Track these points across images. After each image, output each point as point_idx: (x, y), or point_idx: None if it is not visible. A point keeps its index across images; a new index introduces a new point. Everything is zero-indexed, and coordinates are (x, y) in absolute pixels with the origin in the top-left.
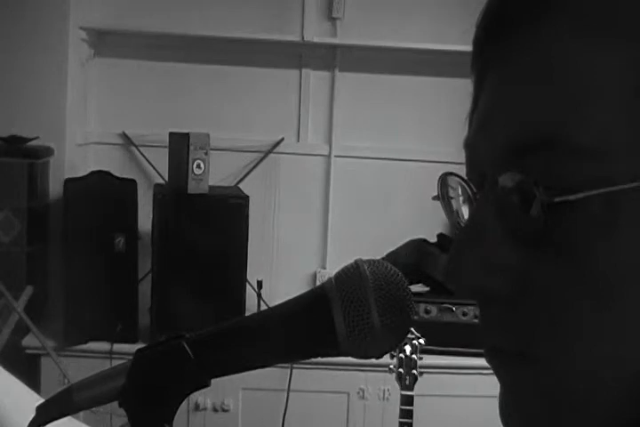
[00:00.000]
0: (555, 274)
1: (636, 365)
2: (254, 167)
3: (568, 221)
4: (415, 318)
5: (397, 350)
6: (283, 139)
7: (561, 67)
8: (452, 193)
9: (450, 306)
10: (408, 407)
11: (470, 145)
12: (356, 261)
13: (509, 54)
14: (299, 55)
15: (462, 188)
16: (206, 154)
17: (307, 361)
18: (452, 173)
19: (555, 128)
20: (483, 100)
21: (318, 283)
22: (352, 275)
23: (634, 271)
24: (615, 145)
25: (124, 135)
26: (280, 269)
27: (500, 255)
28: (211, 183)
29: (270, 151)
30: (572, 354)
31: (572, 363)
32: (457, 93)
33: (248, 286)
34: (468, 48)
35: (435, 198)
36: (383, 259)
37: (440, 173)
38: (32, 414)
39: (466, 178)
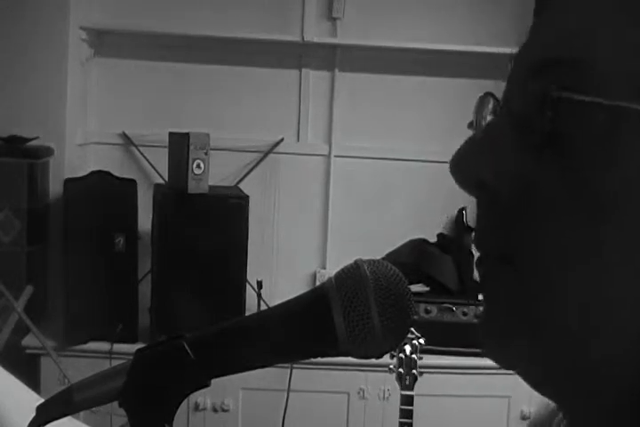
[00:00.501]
0: (556, 182)
1: (621, 290)
2: (254, 167)
3: (575, 126)
4: (415, 318)
5: (397, 350)
6: (283, 139)
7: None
8: (487, 119)
9: (450, 306)
10: (408, 407)
11: (509, 76)
12: (356, 261)
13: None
14: (299, 55)
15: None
16: (206, 154)
17: (307, 361)
18: (490, 94)
19: (582, 54)
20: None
21: (318, 283)
22: (352, 275)
23: (629, 187)
24: (626, 72)
25: (124, 135)
26: (280, 269)
27: (507, 158)
28: (211, 183)
29: (270, 151)
30: (552, 271)
31: (551, 282)
32: (457, 93)
33: (248, 286)
34: (469, 48)
35: (469, 126)
36: (383, 259)
37: (439, 173)
38: (32, 414)
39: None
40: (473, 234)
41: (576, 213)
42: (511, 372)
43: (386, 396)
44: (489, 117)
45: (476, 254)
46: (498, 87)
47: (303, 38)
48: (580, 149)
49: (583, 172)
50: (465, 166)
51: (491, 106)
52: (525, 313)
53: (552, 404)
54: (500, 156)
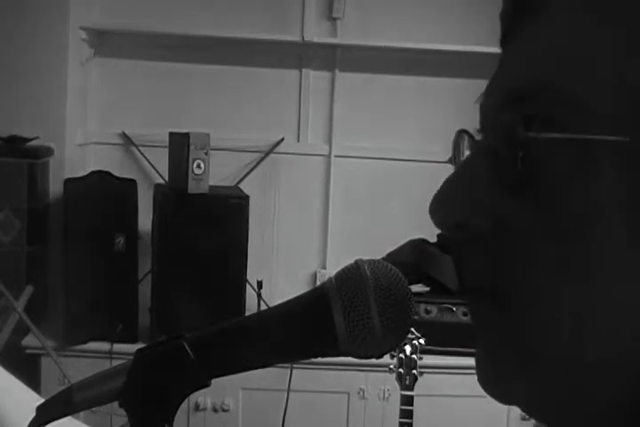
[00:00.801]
0: (531, 219)
1: (597, 310)
2: (254, 167)
3: (549, 164)
4: (415, 318)
5: (397, 350)
6: (283, 139)
7: (563, 31)
8: (464, 154)
9: (450, 306)
10: (408, 407)
11: (481, 105)
12: (356, 261)
13: (521, 27)
14: (299, 55)
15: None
16: (206, 154)
17: (307, 361)
18: (464, 131)
19: (551, 78)
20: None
21: (318, 283)
22: (352, 275)
23: (601, 218)
24: (603, 100)
25: (124, 135)
26: (280, 269)
27: (483, 196)
28: (211, 183)
29: (270, 151)
30: (539, 298)
31: (539, 308)
32: (457, 93)
33: (248, 286)
34: (468, 48)
35: (449, 161)
36: (383, 259)
37: (439, 173)
38: (32, 414)
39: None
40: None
41: (547, 249)
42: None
43: (386, 396)
44: (466, 153)
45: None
46: None
47: (303, 38)
48: (553, 187)
49: (555, 205)
50: (443, 208)
51: (466, 142)
52: (518, 347)
53: None
54: (474, 195)
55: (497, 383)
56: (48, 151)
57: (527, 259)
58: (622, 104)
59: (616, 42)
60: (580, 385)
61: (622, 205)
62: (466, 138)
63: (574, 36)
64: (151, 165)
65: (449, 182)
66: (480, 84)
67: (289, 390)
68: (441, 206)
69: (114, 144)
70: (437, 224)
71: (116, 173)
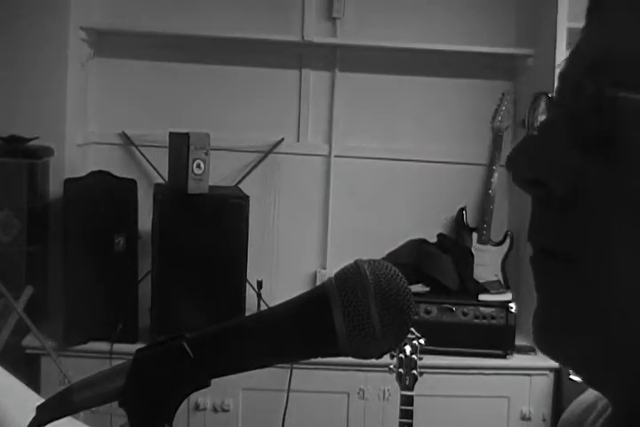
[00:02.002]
0: (609, 181)
1: None
2: (254, 167)
3: (629, 125)
4: (415, 318)
5: (397, 350)
6: (283, 139)
7: None
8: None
9: (450, 306)
10: (408, 407)
11: (561, 73)
12: (356, 262)
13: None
14: (299, 55)
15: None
16: (206, 154)
17: (307, 361)
18: (543, 94)
19: (631, 47)
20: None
21: (318, 283)
22: (352, 275)
23: None
24: None
25: (124, 135)
26: (280, 269)
27: (562, 155)
28: (211, 183)
29: (270, 151)
30: (614, 265)
31: (613, 274)
32: (457, 93)
33: (248, 286)
34: (468, 48)
35: (522, 125)
36: (383, 259)
37: (439, 173)
38: (32, 414)
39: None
40: (474, 234)
41: (628, 211)
42: (511, 372)
43: (386, 396)
44: (541, 117)
45: (529, 251)
46: (498, 87)
47: (303, 38)
48: (633, 147)
49: (635, 170)
50: (520, 164)
51: (543, 105)
52: (588, 310)
53: (588, 400)
54: (555, 154)
55: (559, 338)
56: (48, 151)
57: (606, 225)
58: None
59: None
60: None
61: None
62: (543, 101)
63: None
64: (151, 165)
65: (529, 139)
66: (480, 84)
67: (289, 390)
68: (519, 162)
69: (114, 144)
70: (514, 179)
71: (116, 173)
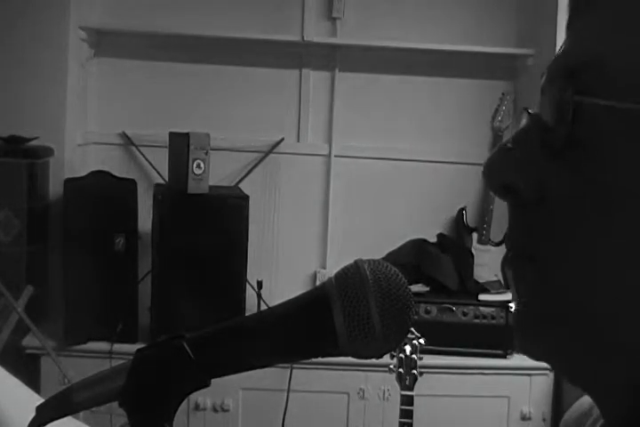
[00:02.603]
0: (571, 185)
1: (628, 290)
2: (254, 167)
3: (590, 130)
4: (415, 318)
5: (397, 350)
6: (283, 139)
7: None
8: None
9: (450, 306)
10: (408, 407)
11: (541, 85)
12: (356, 262)
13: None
14: (299, 55)
15: None
16: (206, 154)
17: (307, 361)
18: (525, 109)
19: (599, 55)
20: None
21: (318, 283)
22: (352, 275)
23: (635, 186)
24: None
25: (124, 135)
26: (280, 269)
27: (531, 161)
28: (211, 183)
29: (270, 151)
30: (573, 264)
31: (572, 272)
32: (457, 93)
33: (248, 286)
34: (468, 48)
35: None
36: (383, 259)
37: (439, 173)
38: (32, 414)
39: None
40: (474, 234)
41: (589, 212)
42: (511, 372)
43: (386, 396)
44: None
45: (504, 254)
46: (498, 87)
47: (303, 38)
48: (595, 152)
49: (596, 172)
50: (493, 171)
51: (524, 120)
52: (551, 307)
53: (585, 405)
54: (525, 160)
55: (537, 340)
56: (48, 151)
57: (569, 224)
58: None
59: None
60: (620, 348)
61: None
62: (525, 117)
63: (617, 21)
64: (151, 165)
65: (501, 147)
66: (480, 84)
67: (289, 390)
68: (490, 169)
69: (114, 144)
70: (488, 185)
71: (116, 173)
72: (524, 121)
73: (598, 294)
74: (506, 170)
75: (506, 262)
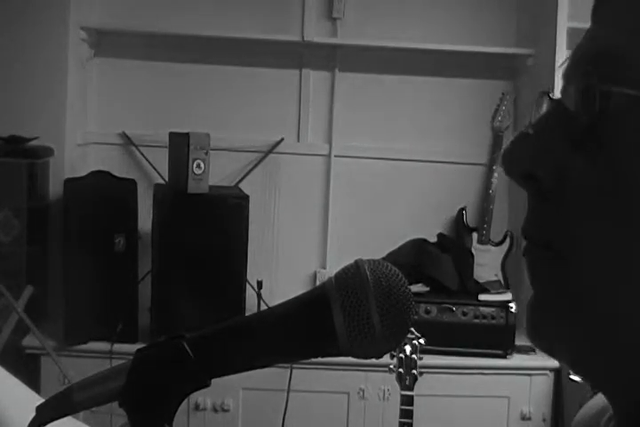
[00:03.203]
0: (591, 175)
1: None
2: (254, 167)
3: (618, 119)
4: (415, 318)
5: (397, 350)
6: (283, 139)
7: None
8: None
9: (450, 306)
10: (408, 407)
11: (563, 72)
12: (356, 261)
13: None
14: (299, 55)
15: None
16: (206, 154)
17: (307, 361)
18: (545, 93)
19: (624, 46)
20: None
21: (318, 283)
22: (352, 275)
23: None
24: None
25: (124, 135)
26: (280, 269)
27: (552, 149)
28: (211, 183)
29: (270, 151)
30: (592, 255)
31: (592, 263)
32: (457, 93)
33: (248, 286)
34: (469, 48)
35: (528, 125)
36: (383, 259)
37: (439, 173)
38: (32, 414)
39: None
40: (474, 234)
41: (608, 204)
42: (511, 372)
43: (386, 396)
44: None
45: (523, 242)
46: (498, 87)
47: (303, 38)
48: (617, 143)
49: (618, 163)
50: (513, 158)
51: (545, 104)
52: (569, 298)
53: (601, 403)
54: (546, 148)
55: (547, 329)
56: (48, 151)
57: (587, 215)
58: None
59: None
60: (629, 342)
61: None
62: (544, 101)
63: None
64: (151, 165)
65: (522, 135)
66: (480, 84)
67: (289, 390)
68: (512, 156)
69: (114, 144)
70: (507, 173)
71: (116, 173)
72: (544, 107)
73: (612, 287)
74: (526, 158)
75: (525, 251)
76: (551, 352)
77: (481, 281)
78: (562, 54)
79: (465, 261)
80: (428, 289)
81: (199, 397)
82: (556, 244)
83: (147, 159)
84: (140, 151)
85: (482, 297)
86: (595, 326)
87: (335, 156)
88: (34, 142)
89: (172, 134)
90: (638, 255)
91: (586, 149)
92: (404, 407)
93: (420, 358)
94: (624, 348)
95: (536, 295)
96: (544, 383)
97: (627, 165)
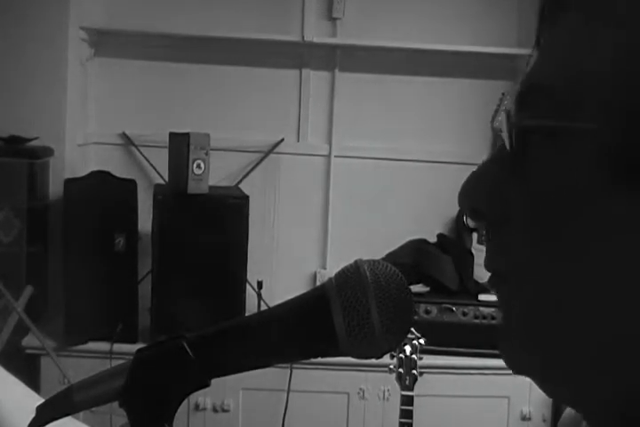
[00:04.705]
0: (523, 202)
1: (585, 291)
2: (254, 167)
3: (534, 150)
4: (415, 318)
5: (397, 350)
6: (283, 139)
7: (568, 41)
8: None
9: (450, 306)
10: (408, 407)
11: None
12: (356, 262)
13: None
14: (299, 55)
15: None
16: (206, 154)
17: (307, 361)
18: (503, 94)
19: (546, 79)
20: None
21: (318, 283)
22: (352, 275)
23: (581, 204)
24: (587, 102)
25: (124, 135)
26: (280, 269)
27: (494, 182)
28: (211, 183)
29: (270, 151)
30: (536, 281)
31: (534, 287)
32: (457, 93)
33: (248, 286)
34: (468, 48)
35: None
36: (383, 259)
37: (439, 173)
38: (32, 415)
39: None
40: (474, 234)
41: (539, 232)
42: (511, 372)
43: (386, 396)
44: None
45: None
46: (498, 87)
47: (303, 38)
48: (538, 175)
49: (540, 195)
50: (463, 196)
51: (505, 103)
52: (522, 322)
53: None
54: (489, 183)
55: (513, 354)
56: (48, 151)
57: (526, 245)
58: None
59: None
60: (584, 362)
61: (604, 192)
62: (505, 101)
63: (567, 46)
64: (151, 165)
65: (473, 172)
66: (480, 84)
67: (289, 390)
68: (461, 194)
69: (114, 144)
70: (461, 211)
71: (116, 173)
72: (503, 107)
73: (562, 309)
74: (472, 194)
75: (489, 282)
76: (526, 375)
77: (481, 281)
78: None
79: (465, 261)
80: (428, 289)
81: (199, 397)
82: (509, 274)
83: (147, 159)
84: (140, 151)
85: (482, 297)
86: (546, 348)
87: (335, 156)
88: (34, 142)
89: (172, 134)
90: (573, 277)
91: (518, 184)
92: (403, 407)
93: (420, 358)
94: (586, 367)
95: (500, 323)
96: None
97: (546, 195)
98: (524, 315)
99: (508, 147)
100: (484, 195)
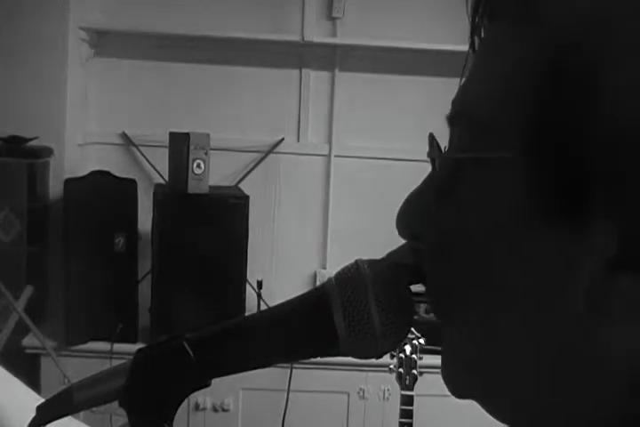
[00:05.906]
0: (455, 229)
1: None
2: (254, 167)
3: (463, 172)
4: (415, 317)
5: (397, 350)
6: (283, 139)
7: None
8: None
9: None
10: (408, 407)
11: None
12: (356, 261)
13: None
14: (299, 55)
15: None
16: (206, 154)
17: (307, 361)
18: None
19: (469, 108)
20: None
21: (318, 283)
22: (352, 275)
23: (508, 233)
24: (509, 130)
25: (124, 135)
26: (280, 269)
27: (426, 207)
28: (211, 183)
29: (270, 151)
30: (469, 316)
31: (468, 321)
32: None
33: (248, 286)
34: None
35: None
36: (383, 259)
37: None
38: (32, 414)
39: None
40: None
41: (467, 264)
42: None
43: (386, 396)
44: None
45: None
46: None
47: (303, 38)
48: (466, 194)
49: (467, 218)
50: (400, 221)
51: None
52: (465, 356)
53: None
54: (420, 207)
55: (453, 382)
56: (48, 151)
57: (457, 272)
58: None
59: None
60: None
61: (524, 223)
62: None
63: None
64: (151, 165)
65: (408, 196)
66: None
67: (289, 390)
68: (398, 220)
69: (114, 144)
70: (400, 236)
71: (116, 173)
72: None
73: (498, 338)
74: (411, 220)
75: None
76: (463, 397)
77: None
78: None
79: None
80: None
81: (199, 397)
82: (441, 304)
83: (147, 159)
84: (140, 151)
85: None
86: (486, 373)
87: (335, 156)
88: (34, 142)
89: (172, 134)
90: (492, 310)
91: (451, 208)
92: (404, 407)
93: (420, 358)
94: (523, 392)
95: (443, 352)
96: None
97: (473, 221)
98: (462, 353)
99: (436, 169)
100: (423, 219)
